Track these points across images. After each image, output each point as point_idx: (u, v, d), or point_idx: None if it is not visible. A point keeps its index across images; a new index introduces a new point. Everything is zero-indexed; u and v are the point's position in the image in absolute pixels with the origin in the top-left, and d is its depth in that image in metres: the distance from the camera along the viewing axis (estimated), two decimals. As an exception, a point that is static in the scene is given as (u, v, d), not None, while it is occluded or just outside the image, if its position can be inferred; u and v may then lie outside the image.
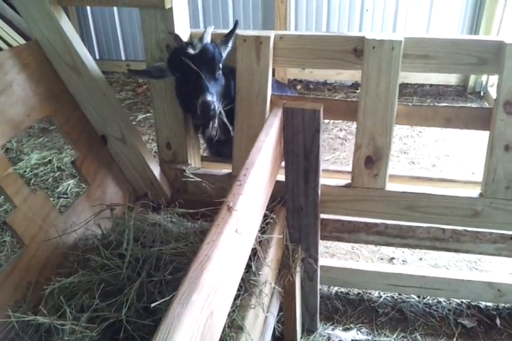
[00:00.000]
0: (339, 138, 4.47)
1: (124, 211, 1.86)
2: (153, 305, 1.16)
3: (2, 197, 3.29)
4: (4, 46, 4.81)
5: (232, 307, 1.46)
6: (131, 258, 1.52)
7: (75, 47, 1.86)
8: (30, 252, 1.61)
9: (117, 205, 1.80)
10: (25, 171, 3.65)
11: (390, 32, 5.27)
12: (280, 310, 2.22)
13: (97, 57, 6.10)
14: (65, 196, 3.37)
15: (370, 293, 2.70)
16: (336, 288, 2.73)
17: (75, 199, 1.88)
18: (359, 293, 2.71)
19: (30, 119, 1.76)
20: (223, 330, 1.38)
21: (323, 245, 2.97)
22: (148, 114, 4.85)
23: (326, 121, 4.62)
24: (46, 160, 3.81)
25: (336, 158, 4.11)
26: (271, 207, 1.94)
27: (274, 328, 2.24)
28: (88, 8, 5.82)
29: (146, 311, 1.42)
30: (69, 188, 3.41)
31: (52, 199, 3.28)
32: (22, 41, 4.81)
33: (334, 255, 3.00)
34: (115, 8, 5.78)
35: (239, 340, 1.44)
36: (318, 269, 2.28)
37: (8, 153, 3.94)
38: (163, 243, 1.58)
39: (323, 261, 2.51)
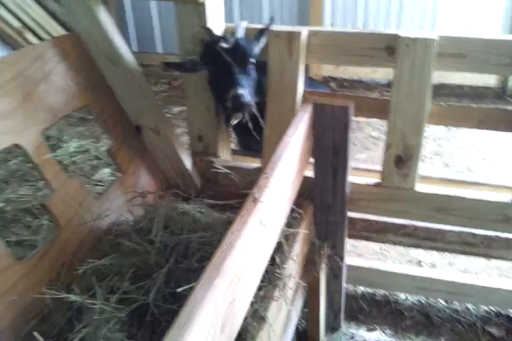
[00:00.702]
0: (372, 137, 4.46)
1: (156, 199, 1.95)
2: (179, 289, 1.23)
3: (40, 182, 3.45)
4: (46, 37, 5.00)
5: (255, 298, 1.50)
6: (160, 244, 1.60)
7: (112, 39, 1.93)
8: (66, 234, 1.70)
9: (149, 193, 1.88)
10: (63, 158, 3.79)
11: (429, 30, 5.21)
12: (304, 306, 2.26)
13: (136, 50, 6.24)
14: (100, 183, 3.50)
15: (396, 295, 2.71)
16: (362, 288, 2.75)
17: (109, 187, 1.97)
18: (385, 295, 2.72)
19: (69, 107, 1.84)
20: (245, 319, 1.43)
21: (350, 244, 2.99)
22: (182, 107, 4.93)
23: (360, 119, 4.62)
24: (84, 148, 3.96)
25: (368, 158, 4.11)
26: (298, 203, 1.96)
27: (298, 324, 2.28)
28: (128, 1, 5.97)
29: (172, 297, 1.49)
30: (104, 176, 3.54)
31: (88, 186, 3.41)
32: (63, 32, 4.99)
33: (362, 255, 3.02)
34: (153, 2, 5.91)
35: (261, 330, 1.49)
36: (344, 267, 2.31)
37: (49, 140, 4.10)
38: (191, 231, 1.65)
39: (350, 260, 2.53)
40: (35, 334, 1.30)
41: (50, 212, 1.67)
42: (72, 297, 1.40)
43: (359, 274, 2.56)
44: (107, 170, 3.58)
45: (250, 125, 1.98)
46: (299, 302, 2.09)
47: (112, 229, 1.79)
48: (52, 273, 1.60)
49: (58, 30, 5.00)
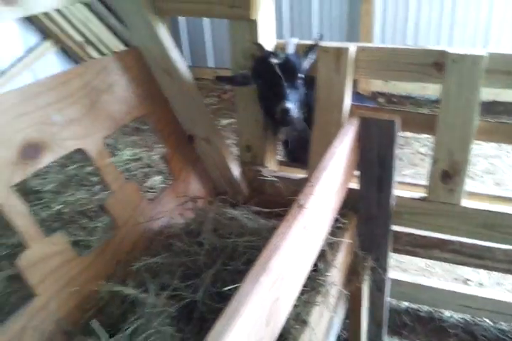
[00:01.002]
0: (420, 153, 4.44)
1: (205, 204, 2.06)
2: (226, 288, 1.32)
3: (96, 187, 3.66)
4: (106, 51, 5.30)
5: (297, 302, 1.57)
6: (209, 246, 1.70)
7: (169, 54, 2.07)
8: (122, 234, 1.84)
9: (199, 198, 1.99)
10: (118, 165, 3.98)
11: (481, 48, 5.16)
12: (346, 317, 2.29)
13: (189, 64, 6.49)
14: (152, 190, 3.67)
15: (441, 312, 2.70)
16: (406, 303, 2.76)
17: (162, 192, 2.10)
18: (429, 311, 2.72)
19: (129, 117, 2.00)
20: (288, 321, 1.50)
21: (395, 259, 3.00)
22: (231, 120, 5.08)
23: (409, 135, 4.62)
24: (137, 156, 4.16)
25: (416, 174, 4.09)
26: (343, 213, 2.02)
27: (340, 334, 2.31)
28: (183, 19, 6.23)
29: (218, 296, 1.58)
30: (155, 184, 3.71)
31: (140, 192, 3.59)
32: (122, 47, 5.27)
33: (407, 270, 3.02)
34: (206, 19, 6.13)
35: (303, 333, 1.54)
36: (387, 281, 2.32)
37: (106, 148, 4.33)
38: (238, 236, 1.74)
39: (395, 274, 2.55)
40: (94, 322, 1.42)
41: (108, 212, 1.81)
42: (127, 290, 1.52)
43: (403, 289, 2.57)
44: (157, 178, 3.74)
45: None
46: (341, 312, 2.13)
47: (164, 231, 1.91)
48: (108, 269, 1.74)
49: (117, 45, 5.29)
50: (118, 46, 5.36)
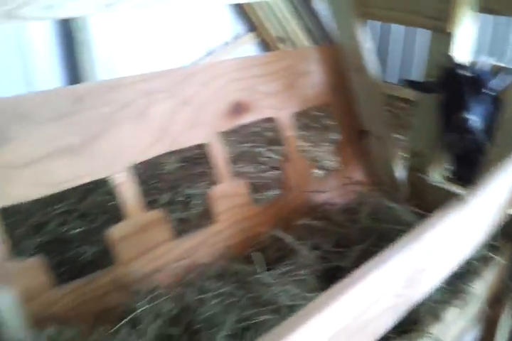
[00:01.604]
0: None
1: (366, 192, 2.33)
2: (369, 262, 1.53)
3: (263, 166, 4.05)
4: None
5: (435, 296, 1.70)
6: (363, 226, 1.96)
7: (363, 54, 2.37)
8: (288, 197, 2.21)
9: (361, 183, 2.27)
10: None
11: None
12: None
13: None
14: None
15: None
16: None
17: (327, 174, 2.42)
18: None
19: (316, 101, 2.37)
20: (421, 313, 1.65)
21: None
22: (399, 136, 5.18)
23: None
24: (305, 149, 4.51)
25: None
26: (501, 238, 2.07)
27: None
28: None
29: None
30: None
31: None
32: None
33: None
34: (394, 35, 6.33)
35: (435, 328, 1.66)
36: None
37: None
38: (391, 223, 1.96)
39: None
40: (256, 254, 1.78)
41: (285, 175, 2.21)
42: (287, 239, 1.86)
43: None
44: (319, 172, 4.02)
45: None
46: (473, 333, 2.18)
47: (325, 204, 2.24)
48: (272, 221, 2.11)
49: (305, 44, 5.78)
50: (306, 45, 5.83)
